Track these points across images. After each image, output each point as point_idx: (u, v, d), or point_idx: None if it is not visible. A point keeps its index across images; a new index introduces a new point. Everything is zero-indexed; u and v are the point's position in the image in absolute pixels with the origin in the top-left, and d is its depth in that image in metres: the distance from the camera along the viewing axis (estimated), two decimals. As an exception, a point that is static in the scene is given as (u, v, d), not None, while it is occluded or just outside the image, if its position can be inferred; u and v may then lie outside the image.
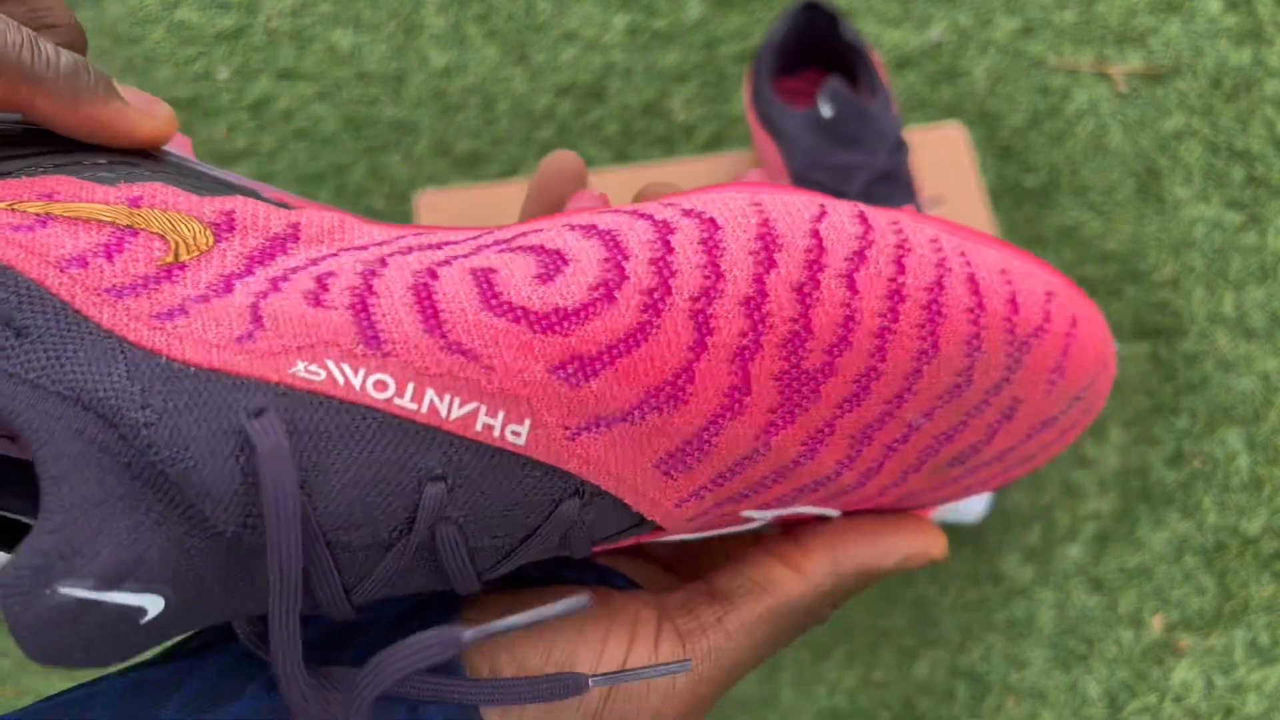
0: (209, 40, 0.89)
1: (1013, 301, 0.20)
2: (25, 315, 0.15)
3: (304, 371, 0.16)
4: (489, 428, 0.17)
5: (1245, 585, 0.71)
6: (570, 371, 0.18)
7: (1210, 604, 0.71)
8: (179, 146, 0.21)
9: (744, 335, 0.18)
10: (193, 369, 0.16)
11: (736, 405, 0.18)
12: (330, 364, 0.16)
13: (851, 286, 0.18)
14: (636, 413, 0.18)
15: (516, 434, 0.18)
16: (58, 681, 0.70)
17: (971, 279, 0.20)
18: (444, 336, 0.17)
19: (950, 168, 0.67)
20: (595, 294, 0.17)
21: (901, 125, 0.59)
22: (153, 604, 0.15)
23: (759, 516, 0.22)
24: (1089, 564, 0.72)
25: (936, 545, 0.24)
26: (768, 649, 0.23)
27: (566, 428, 0.18)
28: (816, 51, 0.64)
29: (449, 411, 0.17)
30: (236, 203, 0.18)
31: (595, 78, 0.86)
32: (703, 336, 0.18)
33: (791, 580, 0.23)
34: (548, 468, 0.18)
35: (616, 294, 0.17)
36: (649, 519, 0.20)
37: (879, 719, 0.69)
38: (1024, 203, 0.82)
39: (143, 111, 0.19)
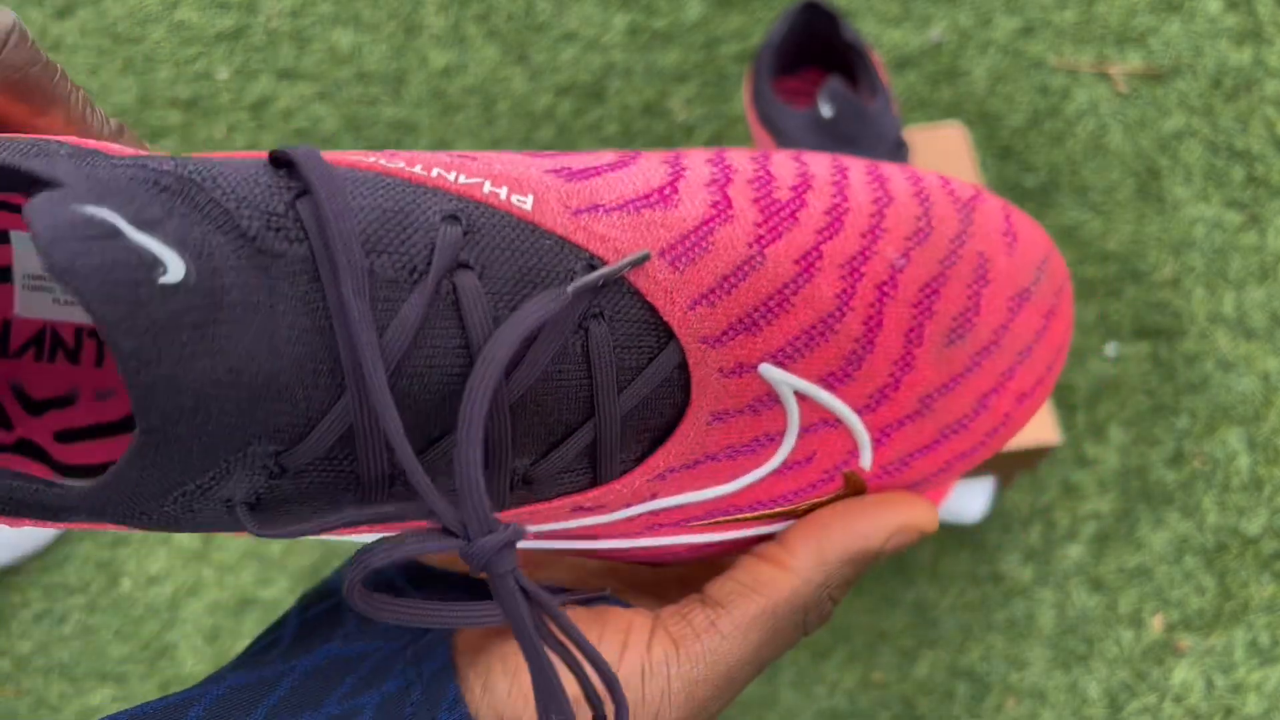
0: (209, 40, 0.89)
1: (946, 181, 0.24)
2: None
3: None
4: (494, 194, 0.19)
5: (1245, 585, 0.71)
6: (564, 175, 0.19)
7: (1210, 604, 0.71)
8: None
9: (712, 170, 0.20)
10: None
11: (721, 215, 0.20)
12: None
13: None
14: (631, 206, 0.19)
15: (522, 202, 0.19)
16: (56, 682, 0.70)
17: (906, 169, 0.24)
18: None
19: (950, 168, 0.67)
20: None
21: (901, 125, 0.59)
22: (173, 265, 0.15)
23: (780, 384, 0.22)
24: (1089, 564, 0.72)
25: (924, 516, 0.24)
26: (767, 650, 0.23)
27: (568, 207, 0.19)
28: (817, 51, 0.64)
29: (456, 178, 0.18)
30: None
31: (595, 78, 0.86)
32: (676, 160, 0.20)
33: (780, 578, 0.23)
34: (557, 238, 0.19)
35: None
36: (666, 320, 0.20)
37: (879, 719, 0.69)
38: (1024, 202, 0.82)
39: None
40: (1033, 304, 0.24)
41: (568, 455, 0.20)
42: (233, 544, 0.73)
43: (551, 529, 0.22)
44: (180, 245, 0.15)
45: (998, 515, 0.73)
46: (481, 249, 0.18)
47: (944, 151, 0.67)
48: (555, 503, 0.21)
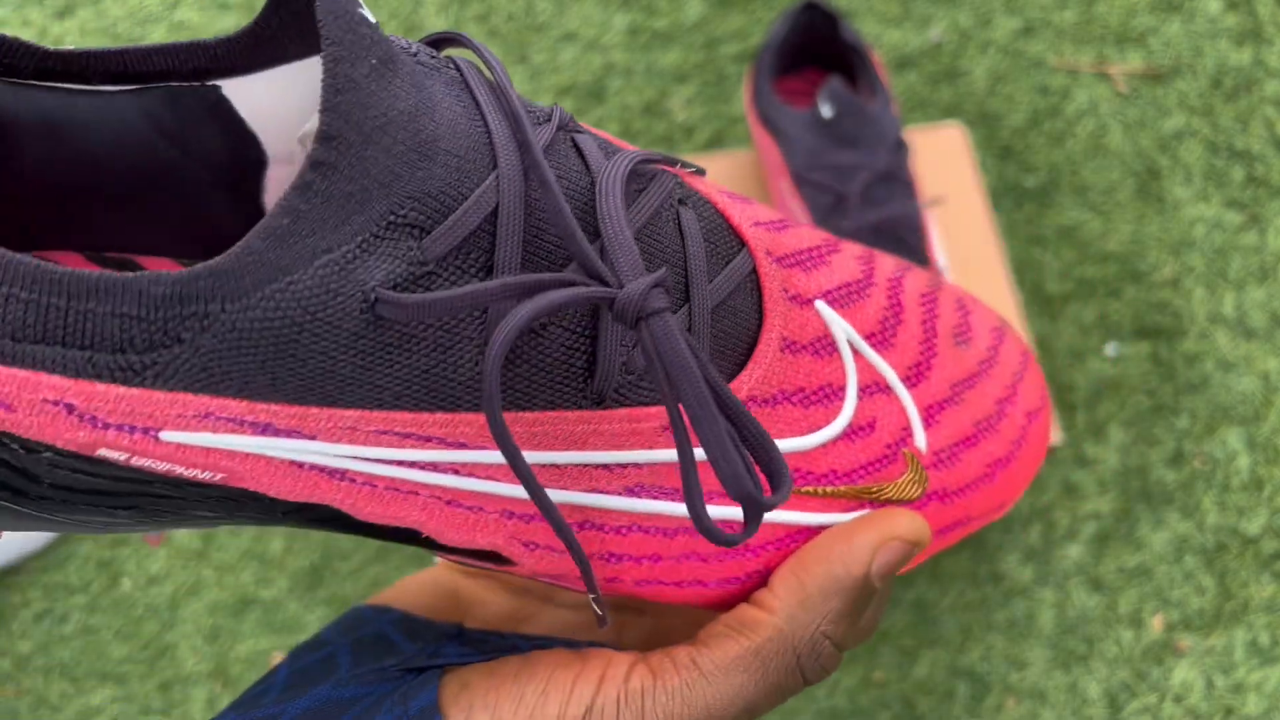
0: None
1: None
2: None
3: None
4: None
5: (1245, 585, 0.71)
6: None
7: (1210, 604, 0.71)
8: None
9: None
10: None
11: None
12: None
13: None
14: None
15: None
16: (57, 682, 0.70)
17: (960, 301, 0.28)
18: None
19: (950, 168, 0.67)
20: None
21: (901, 125, 0.59)
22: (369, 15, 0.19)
23: (834, 324, 0.24)
24: (1089, 564, 0.72)
25: (904, 525, 0.23)
26: (756, 694, 0.22)
27: None
28: (817, 52, 0.64)
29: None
30: None
31: (595, 78, 0.86)
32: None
33: (763, 619, 0.22)
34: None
35: None
36: (736, 228, 0.24)
37: (879, 718, 0.69)
38: (1024, 203, 0.82)
39: None
40: (1013, 336, 0.28)
41: None
42: (233, 545, 0.73)
43: (638, 461, 0.22)
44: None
45: (998, 515, 0.73)
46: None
47: (944, 152, 0.67)
48: (645, 412, 0.21)
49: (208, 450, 0.18)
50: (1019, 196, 0.82)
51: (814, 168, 0.55)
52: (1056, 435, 0.59)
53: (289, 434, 0.18)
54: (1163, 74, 0.87)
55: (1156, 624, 0.71)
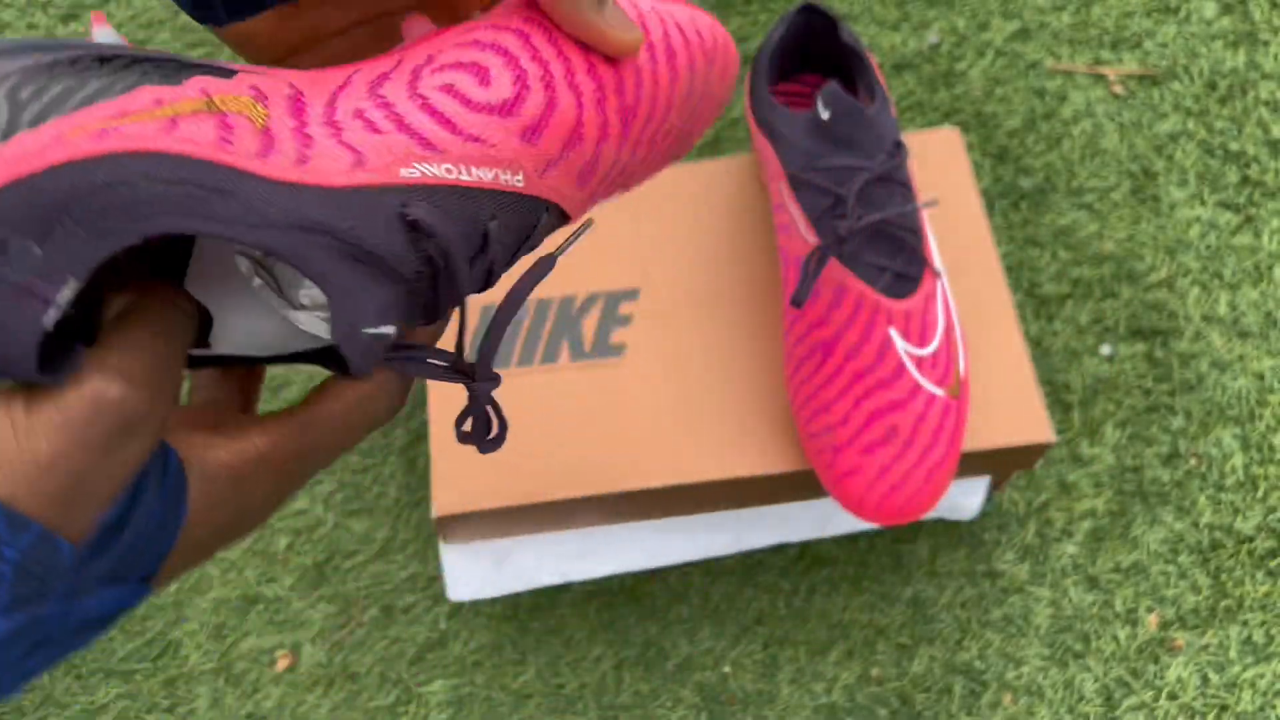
0: (216, 43, 0.90)
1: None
2: (224, 182, 0.22)
3: (404, 174, 0.25)
4: (505, 180, 0.27)
5: (1240, 583, 0.72)
6: (528, 136, 0.27)
7: (1205, 602, 0.71)
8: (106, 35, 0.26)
9: (598, 91, 0.28)
10: (350, 189, 0.24)
11: (603, 135, 0.29)
12: (417, 166, 0.25)
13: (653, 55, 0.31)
14: (562, 153, 0.28)
15: (518, 180, 0.27)
16: (63, 679, 0.71)
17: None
18: (461, 133, 0.26)
19: (946, 171, 0.68)
20: (517, 86, 0.27)
21: (899, 128, 0.60)
22: (394, 331, 0.26)
23: None
24: (1085, 562, 0.73)
25: None
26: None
27: (537, 171, 0.28)
28: (815, 54, 0.65)
29: (485, 177, 0.26)
30: (255, 78, 0.25)
31: (596, 80, 0.86)
32: (578, 98, 0.28)
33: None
34: (533, 199, 0.28)
35: (528, 83, 0.27)
36: (570, 216, 0.31)
37: (877, 715, 0.69)
38: (1020, 204, 0.83)
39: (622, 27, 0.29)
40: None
41: None
42: (237, 542, 0.74)
43: None
44: (396, 316, 0.26)
45: (994, 514, 0.74)
46: (504, 226, 0.29)
47: (940, 154, 0.68)
48: None
49: None
50: (1015, 198, 0.83)
51: (811, 170, 0.55)
52: (1050, 434, 0.60)
53: None
54: (1158, 76, 0.87)
55: (1152, 622, 0.71)
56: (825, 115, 0.55)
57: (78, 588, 0.21)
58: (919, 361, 0.55)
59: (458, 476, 0.59)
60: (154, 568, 0.23)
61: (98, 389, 0.21)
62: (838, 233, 0.53)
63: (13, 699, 0.71)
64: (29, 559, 0.20)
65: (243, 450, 0.25)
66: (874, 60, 0.61)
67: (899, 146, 0.56)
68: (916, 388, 0.54)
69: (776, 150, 0.58)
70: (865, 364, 0.54)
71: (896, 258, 0.55)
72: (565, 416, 0.61)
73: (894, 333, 0.54)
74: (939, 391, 0.55)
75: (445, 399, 0.62)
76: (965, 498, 0.68)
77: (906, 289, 0.55)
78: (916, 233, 0.56)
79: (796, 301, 0.53)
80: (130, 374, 0.21)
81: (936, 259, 0.58)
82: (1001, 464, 0.63)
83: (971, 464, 0.61)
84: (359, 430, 0.28)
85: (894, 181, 0.55)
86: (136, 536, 0.22)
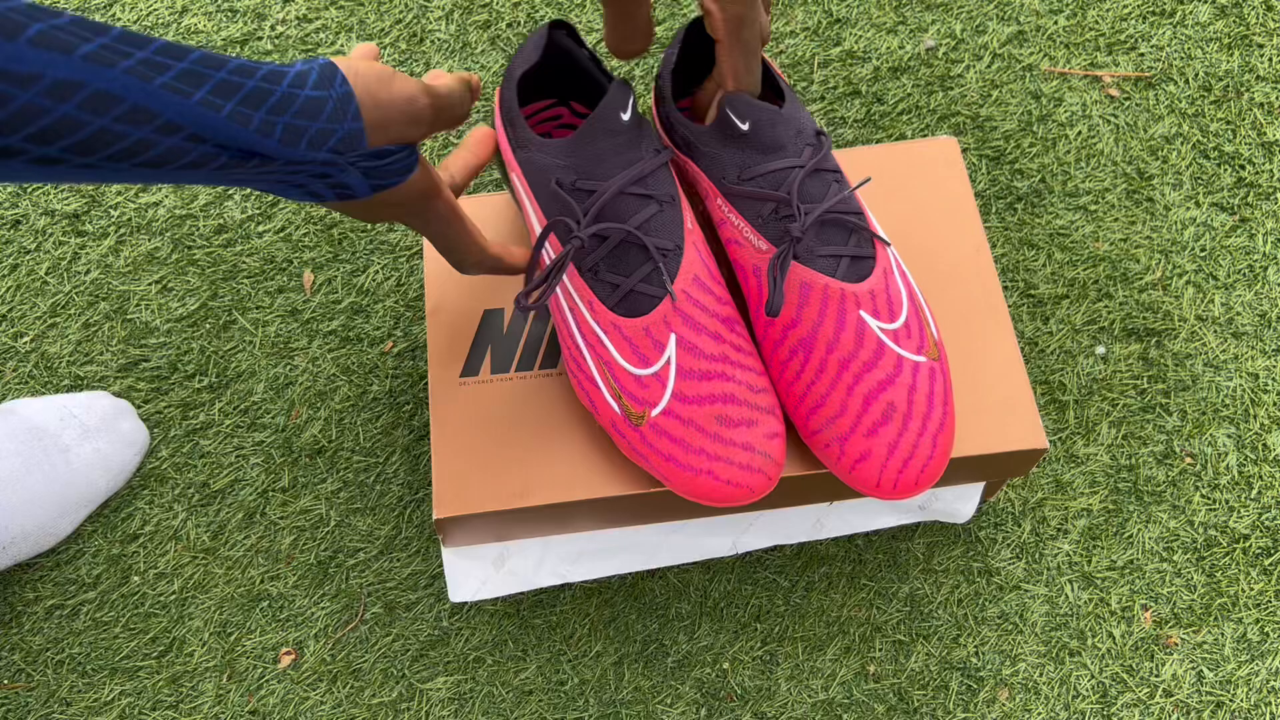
0: (217, 46, 0.91)
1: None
2: None
3: None
4: None
5: (1234, 581, 0.72)
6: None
7: (1200, 600, 0.72)
8: None
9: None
10: None
11: None
12: None
13: None
14: None
15: None
16: (68, 676, 0.71)
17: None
18: None
19: (943, 178, 0.68)
20: None
21: (811, 116, 0.59)
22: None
23: None
24: (1080, 560, 0.73)
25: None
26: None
27: None
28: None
29: None
30: None
31: (596, 83, 0.87)
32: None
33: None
34: None
35: None
36: None
37: (874, 711, 0.70)
38: (1016, 206, 0.83)
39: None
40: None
41: None
42: (241, 540, 0.75)
43: None
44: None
45: (990, 512, 0.75)
46: None
47: (937, 162, 0.68)
48: None
49: None
50: (1011, 200, 0.84)
51: (745, 181, 0.56)
52: (1043, 441, 0.61)
53: None
54: (1153, 79, 0.88)
55: (1147, 619, 0.72)
56: (744, 126, 0.55)
57: (353, 164, 0.42)
58: (894, 335, 0.56)
59: (457, 480, 0.60)
60: (388, 183, 0.45)
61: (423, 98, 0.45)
62: (791, 234, 0.54)
63: (20, 697, 0.71)
64: (347, 139, 0.41)
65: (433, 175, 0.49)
66: (767, 59, 0.60)
67: (820, 136, 0.57)
68: (900, 361, 0.55)
69: (703, 168, 0.58)
70: (847, 352, 0.55)
71: (848, 242, 0.56)
72: (565, 420, 0.62)
73: (865, 315, 0.55)
74: (920, 359, 0.56)
75: (445, 399, 0.62)
76: (960, 503, 0.69)
77: (865, 269, 0.56)
78: (859, 213, 0.57)
79: (772, 310, 0.54)
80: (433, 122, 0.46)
81: (877, 227, 0.59)
82: (996, 469, 0.63)
83: (966, 469, 0.62)
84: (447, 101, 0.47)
85: (825, 170, 0.56)
86: (389, 165, 0.44)
